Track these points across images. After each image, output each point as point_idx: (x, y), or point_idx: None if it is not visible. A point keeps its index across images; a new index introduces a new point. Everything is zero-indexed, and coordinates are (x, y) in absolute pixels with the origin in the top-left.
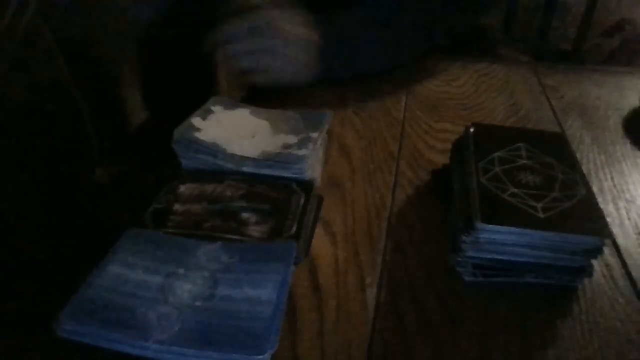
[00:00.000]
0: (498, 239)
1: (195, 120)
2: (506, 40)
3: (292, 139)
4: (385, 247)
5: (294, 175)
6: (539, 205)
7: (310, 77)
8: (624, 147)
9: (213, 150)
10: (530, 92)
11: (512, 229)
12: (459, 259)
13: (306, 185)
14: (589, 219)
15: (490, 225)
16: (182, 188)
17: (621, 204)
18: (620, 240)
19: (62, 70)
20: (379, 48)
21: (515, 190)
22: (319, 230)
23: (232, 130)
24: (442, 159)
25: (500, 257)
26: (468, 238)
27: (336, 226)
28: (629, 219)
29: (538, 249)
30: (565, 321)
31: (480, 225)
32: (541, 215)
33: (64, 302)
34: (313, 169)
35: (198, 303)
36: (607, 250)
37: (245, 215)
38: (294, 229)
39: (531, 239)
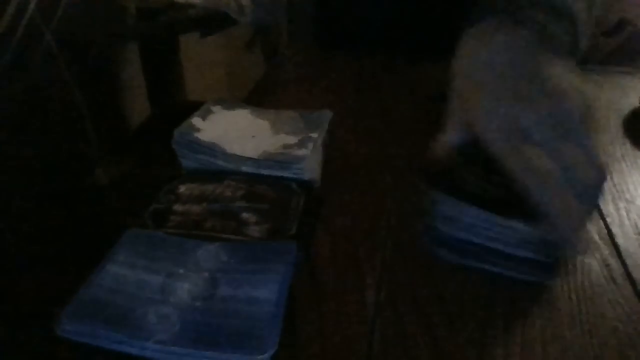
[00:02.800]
0: (453, 215)
1: (195, 120)
2: None
3: (292, 139)
4: (385, 247)
5: (294, 175)
6: (498, 190)
7: None
8: (624, 147)
9: (213, 150)
10: None
11: (458, 201)
12: (427, 235)
13: (306, 185)
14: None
15: (441, 195)
16: (182, 188)
17: (621, 204)
18: (620, 240)
19: (62, 70)
20: None
21: (487, 179)
22: (319, 230)
23: (232, 130)
24: None
25: (460, 235)
26: (429, 210)
27: (336, 226)
28: (629, 219)
29: (490, 232)
30: (565, 321)
31: (434, 194)
32: (491, 196)
33: (64, 302)
34: (313, 169)
35: (198, 303)
36: (607, 250)
37: (245, 215)
38: (294, 229)
39: (479, 220)
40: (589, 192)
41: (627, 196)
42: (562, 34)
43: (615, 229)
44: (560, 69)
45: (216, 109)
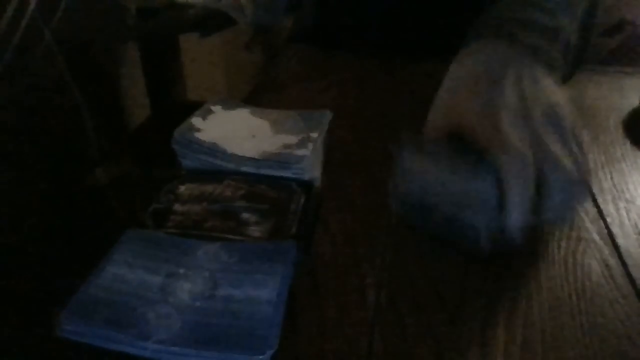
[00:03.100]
0: (413, 172)
1: (195, 120)
2: None
3: (292, 139)
4: (385, 247)
5: (294, 175)
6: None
7: None
8: (624, 147)
9: (213, 150)
10: None
11: (418, 159)
12: (394, 194)
13: (306, 185)
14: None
15: (407, 154)
16: (182, 188)
17: (621, 204)
18: (620, 240)
19: (62, 70)
20: None
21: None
22: (319, 230)
23: (232, 130)
24: None
25: (416, 193)
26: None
27: (336, 226)
28: (629, 219)
29: (445, 195)
30: (565, 321)
31: (401, 153)
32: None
33: (64, 302)
34: (313, 169)
35: (198, 303)
36: (607, 250)
37: (245, 215)
38: (294, 229)
39: (435, 179)
40: (569, 188)
41: (627, 196)
42: (554, 52)
43: (615, 229)
44: (552, 83)
45: (216, 109)
